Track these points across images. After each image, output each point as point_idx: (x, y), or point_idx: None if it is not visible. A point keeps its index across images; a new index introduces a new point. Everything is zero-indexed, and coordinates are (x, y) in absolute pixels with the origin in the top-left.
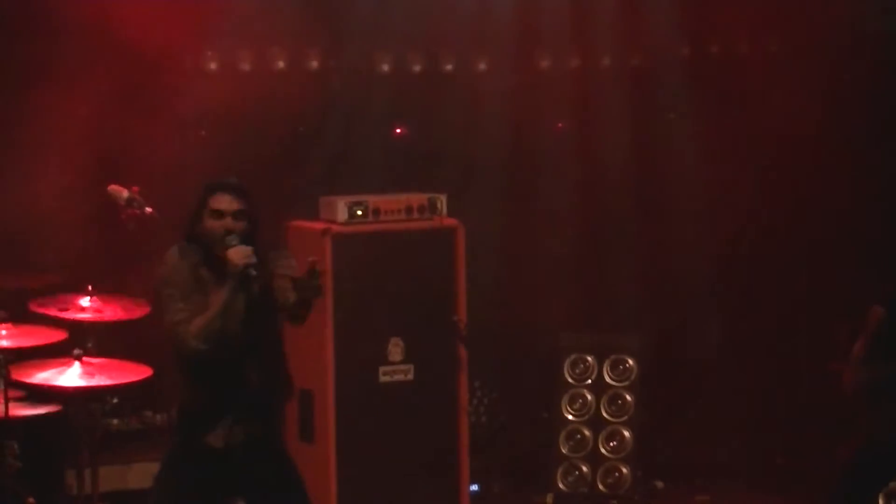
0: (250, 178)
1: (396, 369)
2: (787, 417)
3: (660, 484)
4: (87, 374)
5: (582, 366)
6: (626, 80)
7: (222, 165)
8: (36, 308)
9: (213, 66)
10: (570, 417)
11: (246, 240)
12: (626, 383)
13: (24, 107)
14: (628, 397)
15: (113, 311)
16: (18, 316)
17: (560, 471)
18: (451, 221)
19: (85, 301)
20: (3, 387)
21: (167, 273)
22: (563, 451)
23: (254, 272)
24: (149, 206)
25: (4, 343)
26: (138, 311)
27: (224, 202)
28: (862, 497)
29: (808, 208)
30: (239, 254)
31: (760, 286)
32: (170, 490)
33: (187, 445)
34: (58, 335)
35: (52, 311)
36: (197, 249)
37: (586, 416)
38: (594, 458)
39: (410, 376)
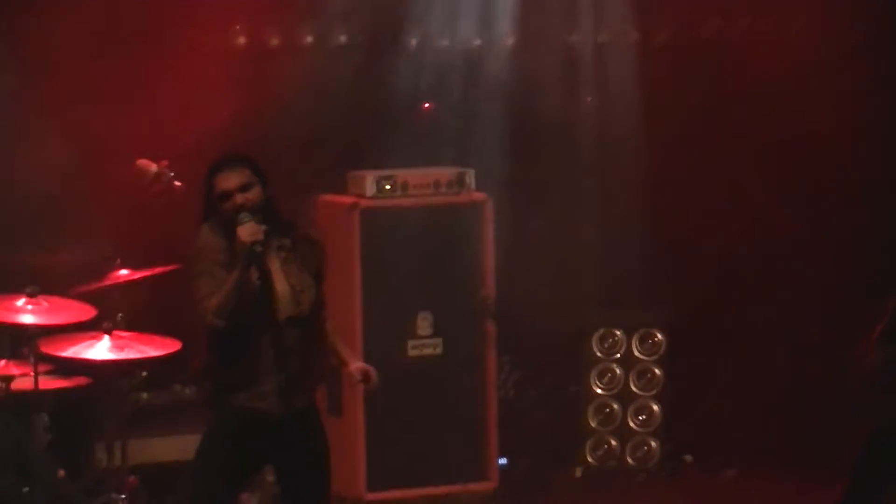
0: (279, 153)
1: (425, 343)
2: (815, 391)
3: (688, 458)
4: (117, 347)
5: (611, 340)
6: (653, 55)
7: (251, 139)
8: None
9: (241, 41)
10: (598, 391)
11: (264, 207)
12: (655, 357)
13: (56, 81)
14: (657, 371)
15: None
16: (49, 291)
17: (589, 445)
18: (480, 196)
19: (116, 274)
20: (32, 360)
21: (195, 251)
22: (592, 425)
23: (259, 248)
24: (177, 180)
25: (35, 319)
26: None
27: (226, 181)
28: (879, 480)
29: (840, 179)
30: (246, 230)
31: (791, 259)
32: (212, 462)
33: (229, 417)
34: (87, 312)
35: (84, 287)
36: (226, 227)
37: (615, 391)
38: (623, 433)
39: (439, 350)
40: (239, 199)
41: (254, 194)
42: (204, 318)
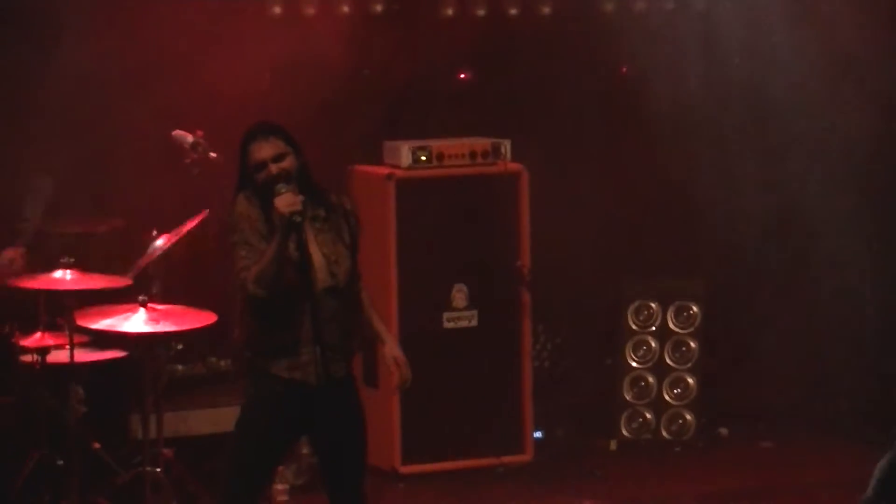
0: (314, 122)
1: (460, 315)
2: (850, 362)
3: (724, 430)
4: (152, 320)
5: (646, 312)
6: (690, 23)
7: (286, 110)
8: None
9: (277, 10)
10: (633, 364)
11: (298, 175)
12: (691, 330)
13: (88, 52)
14: (692, 344)
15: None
16: (84, 260)
17: (624, 417)
18: (515, 166)
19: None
20: (68, 332)
21: (232, 222)
22: (627, 397)
23: (298, 219)
24: (213, 150)
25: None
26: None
27: (260, 151)
28: None
29: (882, 149)
30: (284, 201)
31: (824, 231)
32: (252, 432)
33: (267, 388)
34: (123, 280)
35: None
36: (262, 196)
37: (650, 363)
38: (658, 405)
39: (474, 322)
40: (273, 168)
41: (287, 163)
42: (244, 287)
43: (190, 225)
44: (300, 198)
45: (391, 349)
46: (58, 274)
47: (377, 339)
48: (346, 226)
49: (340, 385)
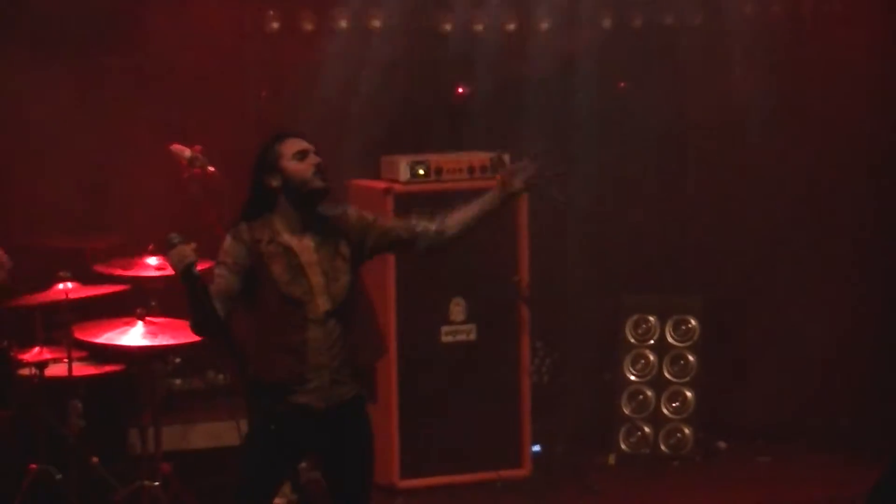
0: (312, 137)
1: (458, 329)
2: (850, 378)
3: (722, 445)
4: (150, 333)
5: (644, 326)
6: (689, 37)
7: (284, 124)
8: (99, 268)
9: (275, 25)
10: (632, 378)
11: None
12: (689, 343)
13: (86, 66)
14: (691, 358)
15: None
16: (81, 276)
17: (622, 431)
18: None
19: (148, 261)
20: (66, 347)
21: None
22: (626, 411)
23: (195, 272)
24: (211, 165)
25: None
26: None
27: (300, 143)
28: None
29: (876, 164)
30: (177, 258)
31: (824, 247)
32: (257, 455)
33: (273, 412)
34: (120, 287)
35: (116, 270)
36: (254, 226)
37: (648, 377)
38: (656, 419)
39: (472, 336)
40: (316, 158)
41: (321, 160)
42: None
43: None
44: (192, 245)
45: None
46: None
47: (495, 199)
48: (344, 237)
49: (348, 407)
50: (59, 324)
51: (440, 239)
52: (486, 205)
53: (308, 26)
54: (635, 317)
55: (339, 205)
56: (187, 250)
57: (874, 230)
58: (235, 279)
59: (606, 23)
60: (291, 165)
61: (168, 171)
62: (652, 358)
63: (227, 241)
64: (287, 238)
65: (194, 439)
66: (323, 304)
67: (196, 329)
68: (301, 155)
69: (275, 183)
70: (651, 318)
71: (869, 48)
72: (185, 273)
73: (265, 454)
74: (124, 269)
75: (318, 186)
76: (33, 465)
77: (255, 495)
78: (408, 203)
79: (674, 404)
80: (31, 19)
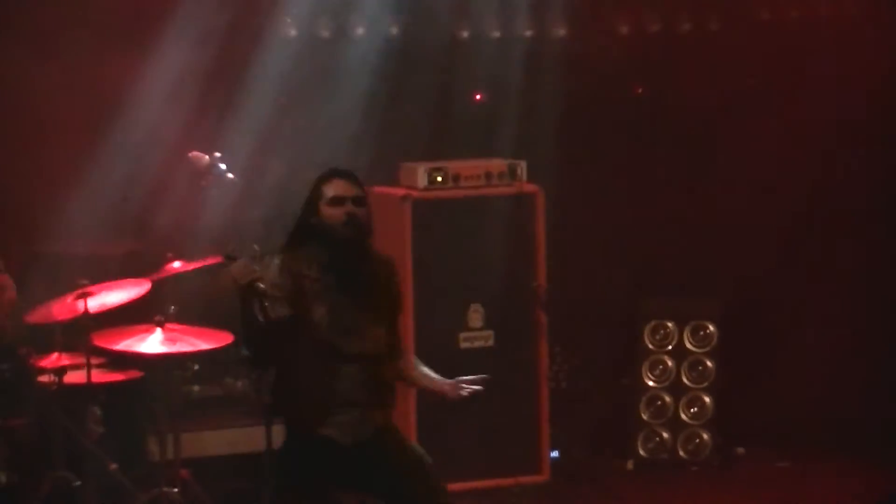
0: (330, 143)
1: (476, 335)
2: (868, 383)
3: (740, 450)
4: (169, 340)
5: (662, 332)
6: (705, 42)
7: (303, 131)
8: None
9: (292, 32)
10: (650, 384)
11: (365, 230)
12: (707, 349)
13: (102, 72)
14: (709, 363)
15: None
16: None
17: (640, 437)
18: (531, 187)
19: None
20: (85, 353)
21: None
22: (644, 417)
23: (261, 286)
24: (229, 172)
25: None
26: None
27: (342, 187)
28: None
29: (891, 168)
30: (239, 271)
31: (841, 249)
32: (286, 487)
33: (301, 446)
34: (141, 293)
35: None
36: (298, 256)
37: (667, 383)
38: (675, 425)
39: (491, 342)
40: (350, 208)
41: (362, 212)
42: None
43: (206, 262)
44: (253, 267)
45: (442, 387)
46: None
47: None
48: (386, 285)
49: (375, 440)
50: (77, 330)
51: (399, 375)
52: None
53: (325, 33)
54: (653, 323)
55: (388, 258)
56: (251, 265)
57: (890, 234)
58: (285, 309)
59: (623, 28)
60: (326, 210)
61: (187, 177)
62: (670, 363)
63: (274, 270)
64: (327, 276)
65: (213, 446)
66: (357, 345)
67: (248, 344)
68: (337, 201)
69: (313, 221)
70: (669, 324)
71: (885, 52)
72: (250, 288)
73: (290, 481)
74: (144, 276)
75: (341, 237)
76: (52, 472)
77: None
78: (426, 209)
79: (692, 410)
80: (45, 23)
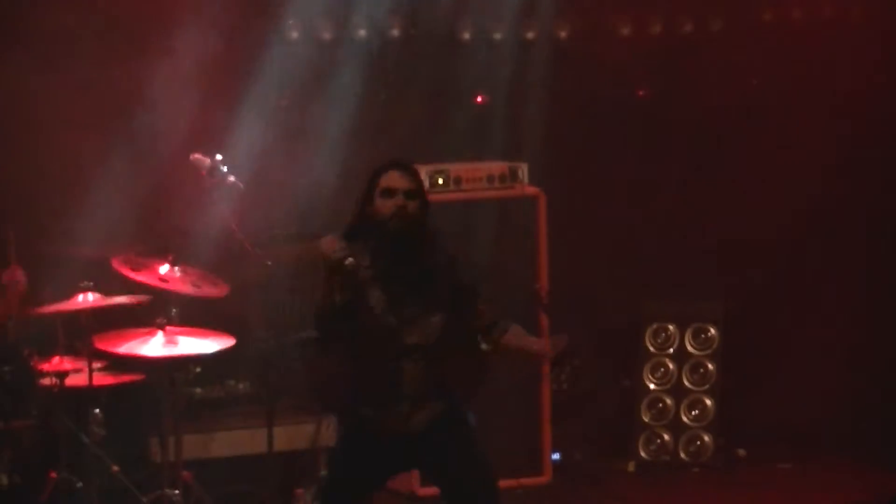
0: (331, 146)
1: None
2: (869, 384)
3: (742, 452)
4: (171, 343)
5: (664, 334)
6: (708, 44)
7: (303, 133)
8: (124, 270)
9: (294, 34)
10: (651, 386)
11: (417, 222)
12: (708, 352)
13: (105, 74)
14: (710, 366)
15: (198, 284)
16: (102, 285)
17: (642, 439)
18: (533, 190)
19: (166, 269)
20: (86, 356)
21: (320, 260)
22: (645, 419)
23: (350, 262)
24: (231, 175)
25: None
26: (218, 289)
27: (395, 180)
28: None
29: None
30: (328, 245)
31: (845, 250)
32: (339, 475)
33: (355, 433)
34: (141, 296)
35: (142, 277)
36: (354, 246)
37: (668, 385)
38: (676, 427)
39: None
40: (401, 200)
41: (414, 206)
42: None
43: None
44: (344, 245)
45: (538, 345)
46: (78, 298)
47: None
48: (449, 279)
49: (429, 432)
50: (79, 333)
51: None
52: (523, 351)
53: (327, 35)
54: (655, 325)
55: (460, 252)
56: (341, 241)
57: (893, 236)
58: (341, 297)
59: (625, 29)
60: (378, 201)
61: (189, 180)
62: (671, 366)
63: (329, 245)
64: (379, 265)
65: (215, 448)
66: (411, 336)
67: (320, 321)
68: (389, 193)
69: (366, 211)
70: (671, 327)
71: (890, 52)
72: (339, 264)
73: (342, 470)
74: (145, 277)
75: (390, 228)
76: (54, 474)
77: None
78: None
79: (693, 412)
80: (52, 28)
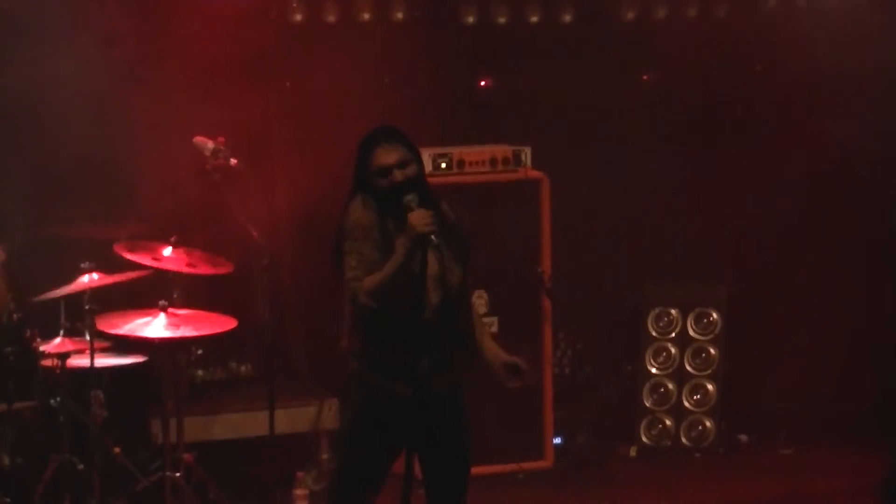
0: (334, 129)
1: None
2: (872, 370)
3: (744, 437)
4: (173, 325)
5: (666, 319)
6: (713, 29)
7: (306, 116)
8: (122, 252)
9: (298, 17)
10: (653, 371)
11: (418, 184)
12: (711, 336)
13: (109, 57)
14: (712, 350)
15: (197, 264)
16: (105, 265)
17: (644, 424)
18: (536, 173)
19: (169, 251)
20: (89, 337)
21: (346, 228)
22: (647, 404)
23: (434, 239)
24: (234, 157)
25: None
26: (222, 267)
27: (385, 156)
28: None
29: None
30: (419, 219)
31: (848, 237)
32: (357, 442)
33: (372, 398)
34: (142, 273)
35: (139, 258)
36: (380, 202)
37: (670, 370)
38: (678, 412)
39: (495, 328)
40: (398, 175)
41: (411, 171)
42: (357, 298)
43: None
44: (431, 213)
45: (502, 359)
46: (83, 279)
47: (483, 351)
48: (458, 234)
49: (446, 398)
50: (81, 314)
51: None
52: (487, 352)
53: (331, 18)
54: (657, 310)
55: (456, 206)
56: (430, 216)
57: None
58: (380, 254)
59: (629, 14)
60: (376, 182)
61: (191, 162)
62: (673, 351)
63: (357, 211)
64: (391, 224)
65: (216, 430)
66: (435, 293)
67: (375, 295)
68: (382, 172)
69: (375, 195)
70: (673, 311)
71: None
72: (424, 238)
73: (360, 443)
74: (147, 258)
75: (406, 202)
76: (56, 456)
77: (352, 484)
78: None
79: (695, 397)
80: (57, 10)
